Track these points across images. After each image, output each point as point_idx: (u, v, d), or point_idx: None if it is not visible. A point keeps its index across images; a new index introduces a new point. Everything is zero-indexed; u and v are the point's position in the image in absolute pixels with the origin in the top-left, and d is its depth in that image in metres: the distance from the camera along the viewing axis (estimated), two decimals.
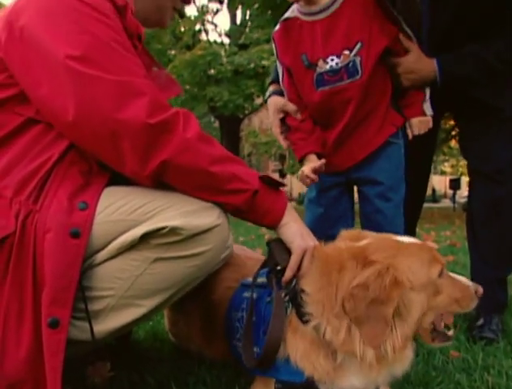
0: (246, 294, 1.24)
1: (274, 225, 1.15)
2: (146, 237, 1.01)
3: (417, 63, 1.73)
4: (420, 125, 1.71)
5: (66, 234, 0.96)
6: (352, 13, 1.66)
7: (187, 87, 13.39)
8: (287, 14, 1.74)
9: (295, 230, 1.15)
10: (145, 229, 1.00)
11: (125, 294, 1.03)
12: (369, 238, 1.14)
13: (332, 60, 1.69)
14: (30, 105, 1.04)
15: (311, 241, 1.16)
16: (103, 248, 1.03)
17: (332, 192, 1.93)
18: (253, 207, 1.09)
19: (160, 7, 1.29)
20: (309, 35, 1.70)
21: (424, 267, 1.05)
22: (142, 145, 0.99)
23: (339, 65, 1.69)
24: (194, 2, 15.98)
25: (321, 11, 1.67)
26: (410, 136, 1.73)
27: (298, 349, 1.06)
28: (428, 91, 1.73)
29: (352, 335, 1.00)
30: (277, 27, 1.77)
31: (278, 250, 1.16)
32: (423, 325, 1.08)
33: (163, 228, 1.00)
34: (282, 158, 22.72)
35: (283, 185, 1.18)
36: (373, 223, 1.82)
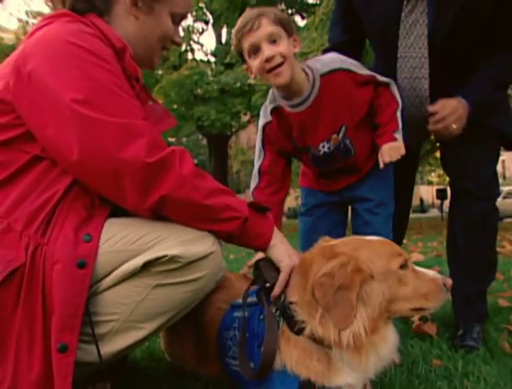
0: (236, 314, 1.32)
1: (263, 247, 1.25)
2: (147, 265, 1.09)
3: (451, 108, 1.78)
4: (390, 151, 1.74)
5: (73, 265, 1.04)
6: (330, 99, 1.72)
7: (175, 106, 13.48)
8: (273, 104, 1.79)
9: (283, 250, 1.25)
10: (146, 258, 1.08)
11: (128, 318, 1.11)
12: (340, 240, 1.27)
13: (323, 146, 1.80)
14: (36, 143, 1.12)
15: (297, 259, 1.26)
16: (107, 276, 1.11)
17: (322, 208, 2.04)
18: (244, 232, 1.18)
19: (151, 49, 1.36)
20: (296, 124, 1.76)
21: (384, 258, 1.16)
22: (141, 182, 1.07)
23: (331, 148, 1.79)
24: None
25: (301, 103, 1.73)
26: (381, 165, 1.75)
27: (293, 357, 1.15)
28: (400, 121, 1.78)
29: (324, 322, 1.10)
30: (269, 118, 1.81)
31: (266, 269, 1.26)
32: (399, 312, 1.17)
33: (163, 256, 1.09)
34: None
35: (269, 209, 1.28)
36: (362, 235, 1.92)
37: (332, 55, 1.82)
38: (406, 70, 1.89)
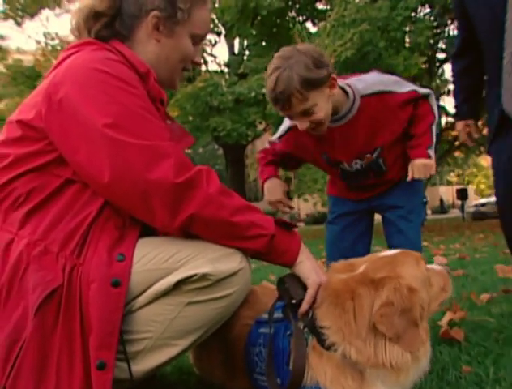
0: (262, 330, 1.34)
1: (290, 264, 1.26)
2: (178, 284, 1.13)
3: None
4: (421, 168, 1.74)
5: (108, 284, 1.08)
6: (367, 121, 1.73)
7: (190, 118, 13.61)
8: None
9: (310, 267, 1.26)
10: (178, 277, 1.12)
11: (162, 336, 1.14)
12: (361, 264, 1.26)
13: (356, 163, 1.82)
14: (67, 167, 1.17)
15: (324, 276, 1.27)
16: (140, 294, 1.14)
17: (351, 216, 2.05)
18: (271, 249, 1.20)
19: (172, 70, 1.40)
20: (329, 138, 1.77)
21: (416, 267, 1.18)
22: (170, 202, 1.10)
23: (364, 166, 1.82)
24: None
25: (338, 119, 1.74)
26: (409, 178, 1.75)
27: (327, 373, 1.14)
28: (434, 136, 1.77)
29: (379, 352, 1.09)
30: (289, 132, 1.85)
31: (292, 285, 1.27)
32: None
33: (194, 275, 1.12)
34: (287, 180, 22.75)
35: (295, 226, 1.30)
36: (395, 243, 1.93)
37: (375, 76, 1.81)
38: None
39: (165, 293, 1.13)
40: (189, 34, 1.36)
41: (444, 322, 2.06)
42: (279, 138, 1.91)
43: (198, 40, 1.41)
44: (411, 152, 1.79)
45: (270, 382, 1.21)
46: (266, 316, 1.36)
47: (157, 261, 1.15)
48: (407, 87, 1.77)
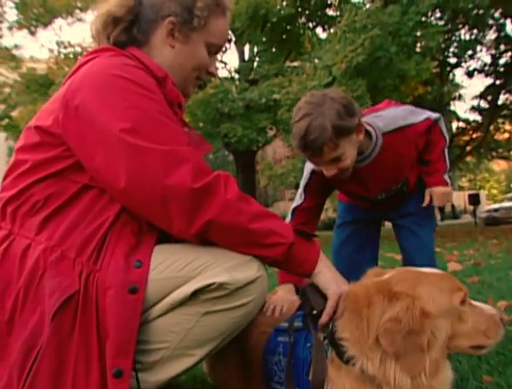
0: (281, 338, 1.32)
1: (309, 274, 1.24)
2: (195, 293, 1.11)
3: None
4: (442, 197, 1.78)
5: (125, 290, 1.07)
6: (392, 156, 1.73)
7: (201, 124, 13.67)
8: None
9: (329, 277, 1.23)
10: (195, 286, 1.10)
11: (179, 346, 1.13)
12: (392, 272, 1.22)
13: (381, 195, 1.84)
14: (84, 173, 1.16)
15: (344, 286, 1.24)
16: (156, 303, 1.13)
17: (360, 223, 2.04)
18: (289, 258, 1.18)
19: (186, 77, 1.38)
20: (354, 179, 1.76)
21: (445, 294, 1.11)
22: (188, 207, 1.09)
23: (389, 195, 1.85)
24: None
25: (362, 160, 1.73)
26: (426, 202, 1.77)
27: (345, 387, 1.11)
28: (448, 160, 1.80)
29: (385, 367, 1.05)
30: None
31: (313, 295, 1.24)
32: (458, 349, 1.14)
33: (211, 284, 1.10)
34: (298, 187, 22.76)
35: (315, 236, 1.27)
36: (409, 246, 1.92)
37: (392, 111, 1.80)
38: None
39: (182, 303, 1.12)
40: (204, 42, 1.36)
41: None
42: (305, 189, 1.87)
43: (213, 50, 1.40)
44: (429, 179, 1.82)
45: None
46: (285, 324, 1.35)
47: (173, 269, 1.13)
48: (421, 115, 1.78)
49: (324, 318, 1.21)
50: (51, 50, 15.99)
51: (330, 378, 1.14)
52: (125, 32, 1.31)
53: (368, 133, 1.70)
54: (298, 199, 1.88)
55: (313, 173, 1.82)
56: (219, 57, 15.99)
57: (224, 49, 13.74)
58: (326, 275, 1.23)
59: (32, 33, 16.24)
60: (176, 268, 1.13)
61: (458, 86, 17.11)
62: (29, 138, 1.21)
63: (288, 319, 1.38)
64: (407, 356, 1.03)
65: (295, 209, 1.87)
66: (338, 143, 1.56)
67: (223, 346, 1.26)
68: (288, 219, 1.88)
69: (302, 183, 1.88)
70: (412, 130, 1.73)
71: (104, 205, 1.17)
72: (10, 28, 15.92)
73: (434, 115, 1.80)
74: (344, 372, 1.12)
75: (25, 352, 1.02)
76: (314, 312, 1.24)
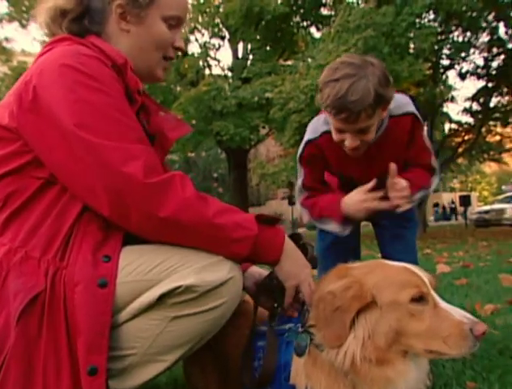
0: (261, 343, 1.28)
1: (274, 263, 1.21)
2: (163, 297, 1.06)
3: None
4: (403, 190, 1.62)
5: (95, 285, 1.04)
6: (393, 140, 1.69)
7: (193, 122, 13.64)
8: (327, 127, 1.69)
9: (288, 269, 1.21)
10: (161, 290, 1.06)
11: (148, 352, 1.09)
12: (363, 263, 1.24)
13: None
14: (45, 168, 1.12)
15: (305, 275, 1.23)
16: (123, 307, 1.09)
17: None
18: (256, 250, 1.14)
19: (150, 60, 1.32)
20: (352, 157, 1.70)
21: (393, 287, 1.09)
22: (142, 202, 1.06)
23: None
24: (197, 40, 16.41)
25: None
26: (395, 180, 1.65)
27: (322, 383, 1.11)
28: (417, 195, 1.72)
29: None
30: (317, 135, 1.73)
31: (273, 288, 1.29)
32: (413, 349, 1.08)
33: (178, 287, 1.05)
34: (290, 185, 22.80)
35: (279, 219, 1.23)
36: (391, 247, 1.89)
37: (404, 97, 1.75)
38: None
39: (149, 307, 1.08)
40: (160, 17, 1.28)
41: None
42: (300, 160, 1.82)
43: (174, 23, 1.31)
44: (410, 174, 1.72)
45: (245, 374, 1.24)
46: (264, 328, 1.32)
47: (140, 271, 1.09)
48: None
49: (285, 310, 1.26)
50: (43, 43, 15.88)
51: (308, 374, 1.13)
52: (76, 23, 1.26)
53: None
54: (299, 175, 1.84)
55: (308, 142, 1.76)
56: (212, 54, 15.96)
57: (217, 46, 13.56)
58: (285, 267, 1.21)
59: (24, 26, 16.10)
60: (142, 271, 1.09)
61: (451, 88, 17.18)
62: None
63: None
64: (330, 328, 1.09)
65: (302, 186, 1.83)
66: (374, 111, 1.49)
67: (200, 352, 1.22)
68: (301, 193, 1.84)
69: (298, 157, 1.82)
70: (416, 124, 1.69)
71: (67, 201, 1.13)
72: (0, 20, 15.79)
73: (435, 164, 1.81)
74: (319, 367, 1.12)
75: None
76: (275, 306, 1.27)
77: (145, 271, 1.09)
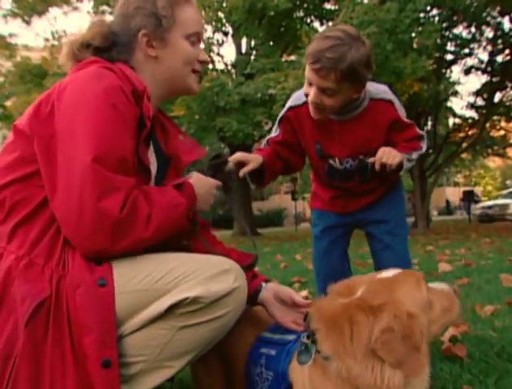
0: (263, 350, 1.32)
1: (194, 200, 1.31)
2: (171, 308, 1.12)
3: None
4: (388, 155, 1.65)
5: (95, 285, 1.09)
6: (370, 123, 1.74)
7: (196, 117, 13.64)
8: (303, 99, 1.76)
9: (203, 193, 1.35)
10: (170, 302, 1.11)
11: (156, 359, 1.14)
12: (360, 286, 1.21)
13: (347, 162, 1.80)
14: None
15: (212, 187, 1.39)
16: (132, 317, 1.13)
17: (337, 230, 2.04)
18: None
19: (180, 76, 1.39)
20: (327, 129, 1.76)
21: (416, 290, 1.15)
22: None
23: (353, 167, 1.79)
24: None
25: (341, 113, 1.74)
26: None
27: None
28: (414, 155, 1.77)
29: (381, 377, 1.05)
30: (300, 103, 1.79)
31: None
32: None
33: (185, 298, 1.11)
34: (293, 180, 22.81)
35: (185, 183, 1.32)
36: (383, 259, 1.92)
37: (384, 86, 1.83)
38: None
39: (158, 317, 1.13)
40: (183, 37, 1.36)
41: (446, 337, 2.04)
42: (280, 121, 1.88)
43: (195, 39, 1.39)
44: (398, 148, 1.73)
45: None
46: (268, 335, 1.36)
47: (148, 281, 1.14)
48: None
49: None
50: (47, 39, 15.89)
51: (315, 386, 1.13)
52: (104, 53, 1.33)
53: None
54: (273, 133, 1.90)
55: (291, 108, 1.83)
56: (215, 50, 15.91)
57: (221, 42, 13.51)
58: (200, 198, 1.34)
59: (27, 22, 16.11)
60: (150, 281, 1.14)
61: (454, 83, 17.09)
62: (9, 137, 1.23)
63: (271, 328, 1.40)
64: (407, 361, 1.05)
65: (269, 139, 1.90)
66: (342, 80, 1.57)
67: (207, 356, 1.27)
68: (263, 145, 1.92)
69: (278, 117, 1.89)
70: (393, 114, 1.75)
71: None
72: (4, 16, 15.81)
73: (421, 132, 1.84)
74: (328, 378, 1.11)
75: (2, 361, 1.03)
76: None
77: (152, 281, 1.14)
